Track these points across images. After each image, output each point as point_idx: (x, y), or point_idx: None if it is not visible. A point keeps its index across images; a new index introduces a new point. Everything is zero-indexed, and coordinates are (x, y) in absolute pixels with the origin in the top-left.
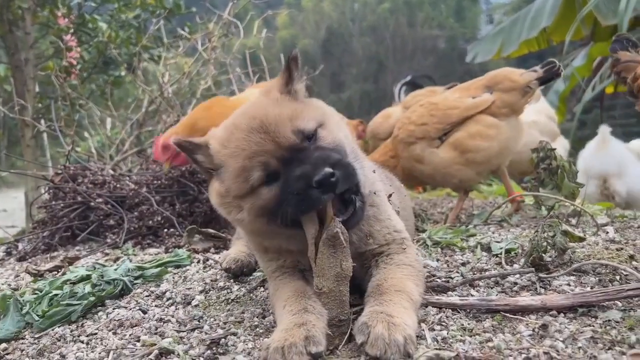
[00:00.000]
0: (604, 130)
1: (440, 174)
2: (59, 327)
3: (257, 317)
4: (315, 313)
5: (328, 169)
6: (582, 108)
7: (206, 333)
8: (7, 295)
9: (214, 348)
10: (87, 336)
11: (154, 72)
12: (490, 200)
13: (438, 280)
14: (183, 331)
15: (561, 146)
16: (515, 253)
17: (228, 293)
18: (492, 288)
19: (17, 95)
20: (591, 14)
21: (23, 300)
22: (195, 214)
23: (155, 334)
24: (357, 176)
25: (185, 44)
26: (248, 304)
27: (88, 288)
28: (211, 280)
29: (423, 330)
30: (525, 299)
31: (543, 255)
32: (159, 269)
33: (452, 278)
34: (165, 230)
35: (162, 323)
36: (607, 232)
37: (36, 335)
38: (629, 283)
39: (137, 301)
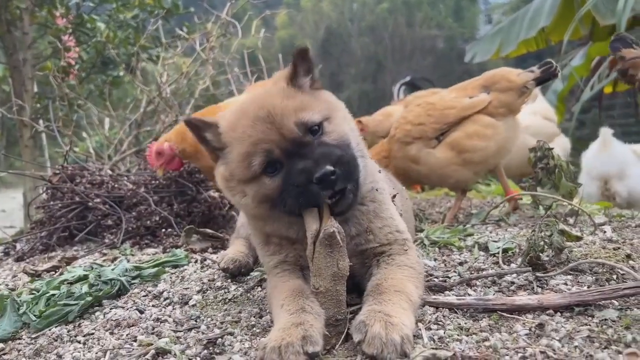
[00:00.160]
0: (605, 132)
1: (436, 175)
2: (56, 327)
3: (254, 317)
4: (313, 313)
5: (329, 167)
6: (580, 108)
7: (203, 333)
8: (4, 295)
9: (210, 348)
10: (84, 336)
11: (153, 72)
12: (488, 200)
13: (435, 279)
14: (180, 331)
15: (559, 146)
16: (512, 252)
17: (225, 293)
18: (489, 287)
19: (15, 95)
20: (589, 14)
21: (20, 300)
22: (193, 214)
23: (152, 333)
24: (358, 172)
25: (183, 44)
26: (245, 304)
27: (85, 288)
28: (209, 280)
29: (420, 329)
30: (522, 298)
31: (540, 254)
32: (156, 269)
33: (449, 277)
34: (163, 230)
35: (159, 323)
36: (605, 232)
37: (33, 336)
38: (626, 282)
39: (134, 301)
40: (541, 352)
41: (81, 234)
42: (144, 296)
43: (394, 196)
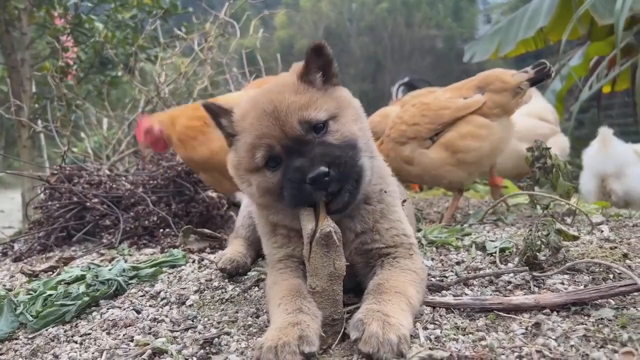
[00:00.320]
0: (604, 131)
1: (429, 175)
2: (52, 327)
3: (250, 317)
4: (310, 314)
5: (323, 168)
6: (579, 107)
7: (200, 333)
8: (1, 295)
9: (207, 348)
10: (80, 336)
11: (151, 72)
12: (486, 200)
13: (432, 279)
14: (177, 331)
15: (557, 145)
16: (509, 252)
17: (222, 293)
18: (486, 287)
19: (13, 95)
20: (588, 14)
21: (17, 300)
22: (192, 214)
23: (149, 333)
24: (357, 173)
25: (181, 44)
26: (242, 304)
27: (82, 288)
28: (206, 280)
29: (417, 329)
30: (519, 297)
31: (537, 254)
32: (153, 269)
33: (446, 277)
34: (161, 230)
35: (156, 323)
36: (602, 231)
37: (30, 336)
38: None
39: (131, 301)
40: (537, 352)
41: (79, 234)
42: (141, 296)
43: (404, 201)
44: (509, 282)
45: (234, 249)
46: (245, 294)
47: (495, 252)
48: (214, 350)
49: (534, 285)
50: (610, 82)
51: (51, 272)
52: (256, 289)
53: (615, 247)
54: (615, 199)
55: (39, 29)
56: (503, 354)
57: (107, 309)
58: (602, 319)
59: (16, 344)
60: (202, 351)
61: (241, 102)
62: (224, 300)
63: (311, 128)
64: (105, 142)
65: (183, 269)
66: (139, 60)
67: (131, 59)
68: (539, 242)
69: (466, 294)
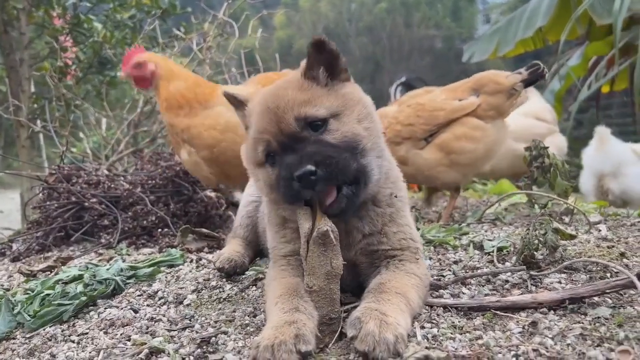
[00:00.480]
0: (601, 130)
1: (423, 176)
2: (50, 326)
3: (248, 316)
4: (307, 313)
5: (309, 167)
6: (578, 107)
7: (197, 332)
8: None
9: (204, 347)
10: (78, 336)
11: None
12: (484, 199)
13: (430, 278)
14: (174, 330)
15: (555, 145)
16: (507, 251)
17: (220, 292)
18: (483, 286)
19: (12, 95)
20: (586, 14)
21: (15, 300)
22: (190, 213)
23: (146, 333)
24: (353, 175)
25: (180, 44)
26: (239, 303)
27: (80, 288)
28: (204, 280)
29: (414, 328)
30: (516, 297)
31: (535, 253)
32: (151, 268)
33: (444, 276)
34: (160, 230)
35: (153, 322)
36: (600, 230)
37: (27, 335)
38: None
39: (128, 301)
40: (534, 350)
41: (77, 234)
42: (138, 296)
43: (413, 207)
44: (507, 281)
45: (232, 249)
46: (243, 293)
47: (492, 251)
48: (211, 349)
49: (531, 284)
50: (609, 82)
51: (49, 272)
52: (254, 288)
53: (613, 246)
54: (612, 198)
55: (38, 29)
56: (500, 353)
57: (105, 308)
58: (598, 317)
59: (13, 343)
60: (199, 350)
61: (255, 95)
62: (222, 299)
63: (308, 125)
64: (104, 142)
65: (181, 269)
66: None
67: None
68: (536, 241)
69: (464, 293)
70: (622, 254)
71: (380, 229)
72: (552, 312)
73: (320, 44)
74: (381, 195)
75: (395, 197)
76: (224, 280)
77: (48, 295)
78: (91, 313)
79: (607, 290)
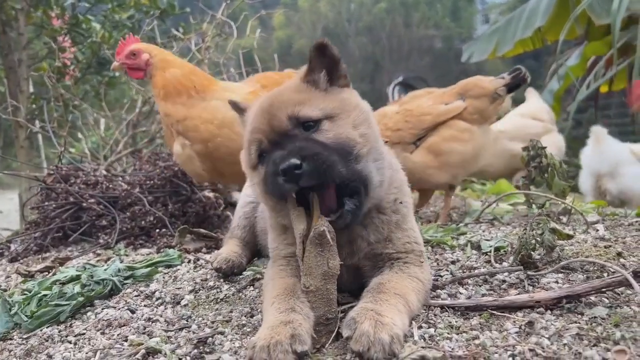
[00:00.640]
0: (596, 130)
1: (414, 179)
2: (47, 327)
3: (244, 316)
4: (303, 314)
5: (294, 160)
6: (577, 107)
7: (194, 332)
8: None
9: (201, 347)
10: (75, 336)
11: None
12: (482, 199)
13: (432, 282)
14: (171, 330)
15: (553, 144)
16: (504, 251)
17: (217, 292)
18: (480, 286)
19: (10, 96)
20: (585, 14)
21: (12, 300)
22: (188, 214)
23: (144, 333)
24: (339, 177)
25: (179, 45)
26: (237, 303)
27: (77, 288)
28: (201, 280)
29: (411, 328)
30: (513, 296)
31: (532, 253)
32: (149, 269)
33: (441, 276)
34: (158, 230)
35: (150, 323)
36: (597, 230)
37: (24, 336)
38: None
39: (126, 301)
40: (530, 350)
41: (75, 234)
42: (135, 296)
43: (417, 211)
44: (504, 281)
45: (230, 249)
46: (240, 294)
47: (490, 251)
48: (208, 350)
49: (529, 284)
50: (607, 82)
51: (47, 273)
52: (251, 288)
53: (610, 246)
54: (610, 198)
55: (37, 29)
56: (496, 353)
57: (102, 309)
58: (595, 317)
59: (10, 344)
60: (195, 351)
61: (254, 101)
62: (219, 300)
63: (300, 124)
64: (102, 142)
65: (178, 269)
66: None
67: None
68: (533, 241)
69: (461, 293)
70: (619, 254)
71: (385, 237)
72: (548, 312)
73: (322, 47)
74: (385, 202)
75: (400, 203)
76: (222, 280)
77: (45, 295)
78: (88, 314)
79: (603, 288)
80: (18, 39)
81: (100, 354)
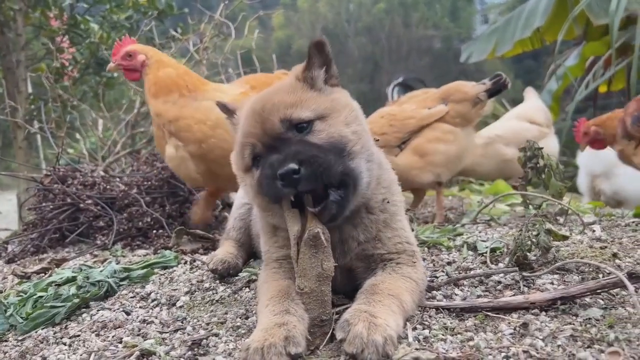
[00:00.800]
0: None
1: (399, 181)
2: (42, 329)
3: (239, 318)
4: (297, 316)
5: (293, 165)
6: (576, 108)
7: (188, 334)
8: None
9: (195, 349)
10: (69, 338)
11: None
12: (479, 200)
13: (426, 282)
14: (166, 332)
15: (547, 146)
16: (500, 252)
17: (213, 294)
18: (476, 287)
19: (8, 97)
20: (583, 14)
21: (7, 302)
22: (186, 215)
23: (138, 335)
24: (337, 177)
25: (177, 45)
26: (232, 305)
27: (73, 290)
28: (197, 281)
29: (406, 329)
30: (508, 298)
31: (527, 254)
32: (145, 270)
33: (437, 277)
34: (155, 231)
35: (145, 324)
36: (594, 231)
37: (19, 338)
38: None
39: (121, 303)
40: (524, 352)
41: (72, 235)
42: (131, 297)
43: (408, 210)
44: (499, 282)
45: (226, 250)
46: (236, 295)
47: (486, 252)
48: (202, 352)
49: (524, 286)
50: (606, 82)
51: (43, 274)
52: (247, 289)
53: (606, 247)
54: (604, 199)
55: (35, 30)
56: (490, 355)
57: (97, 310)
58: (589, 318)
59: (5, 345)
60: (190, 352)
61: (244, 102)
62: (214, 301)
63: (293, 126)
64: (100, 143)
65: (175, 270)
66: None
67: None
68: (529, 242)
69: (456, 295)
70: (615, 255)
71: (374, 236)
72: (543, 313)
73: (321, 44)
74: (374, 202)
75: (388, 202)
76: (217, 282)
77: (41, 297)
78: (84, 315)
79: (598, 290)
80: (16, 39)
81: (95, 355)
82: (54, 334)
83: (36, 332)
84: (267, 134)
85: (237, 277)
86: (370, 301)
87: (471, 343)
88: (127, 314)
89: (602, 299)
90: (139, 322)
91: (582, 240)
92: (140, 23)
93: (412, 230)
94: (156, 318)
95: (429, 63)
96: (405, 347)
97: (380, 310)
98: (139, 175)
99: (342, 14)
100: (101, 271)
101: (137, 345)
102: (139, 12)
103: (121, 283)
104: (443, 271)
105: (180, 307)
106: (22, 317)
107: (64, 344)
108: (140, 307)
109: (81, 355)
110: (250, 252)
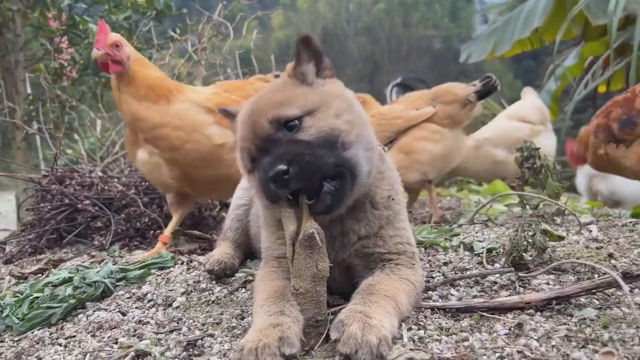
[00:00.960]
0: None
1: None
2: (38, 329)
3: (235, 319)
4: (292, 317)
5: (281, 166)
6: (575, 107)
7: (184, 335)
8: None
9: (190, 350)
10: (65, 339)
11: None
12: (476, 200)
13: (424, 285)
14: (161, 333)
15: (542, 145)
16: (496, 252)
17: (209, 294)
18: (472, 287)
19: (7, 97)
20: (582, 14)
21: (4, 303)
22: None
23: (134, 336)
24: (325, 170)
25: (175, 45)
26: (228, 305)
27: (69, 290)
28: (194, 282)
29: (401, 330)
30: (503, 298)
31: (523, 254)
32: (141, 271)
33: (433, 278)
34: (152, 232)
35: (141, 325)
36: (591, 231)
37: (15, 338)
38: None
39: (117, 303)
40: (518, 352)
41: (70, 235)
42: (127, 298)
43: (410, 212)
44: (495, 283)
45: (222, 251)
46: (232, 296)
47: (482, 253)
48: (197, 352)
49: (520, 286)
50: (605, 82)
51: (40, 275)
52: (243, 290)
53: (601, 247)
54: (601, 199)
55: (34, 30)
56: (484, 355)
57: (93, 311)
58: (584, 318)
59: (1, 346)
60: (185, 353)
61: (243, 105)
62: (210, 302)
63: (282, 126)
64: (99, 143)
65: (171, 271)
66: None
67: None
68: (524, 243)
69: (452, 295)
70: (610, 255)
71: (376, 232)
72: (538, 313)
73: (307, 39)
74: (379, 197)
75: (393, 200)
76: (214, 282)
77: (37, 298)
78: (80, 316)
79: (593, 289)
80: (15, 40)
81: (90, 356)
82: (50, 334)
83: (32, 332)
84: (258, 137)
85: (233, 278)
86: (365, 301)
87: (466, 343)
88: (123, 314)
89: (597, 299)
90: (135, 322)
91: (578, 240)
92: (138, 23)
93: None
94: (152, 319)
95: (429, 63)
96: (399, 348)
97: (376, 311)
98: (137, 175)
99: (342, 14)
100: (98, 272)
101: (132, 346)
102: (137, 12)
103: (118, 284)
104: (439, 272)
105: (177, 307)
106: (18, 318)
107: (60, 344)
108: (136, 308)
109: (76, 355)
110: (247, 253)
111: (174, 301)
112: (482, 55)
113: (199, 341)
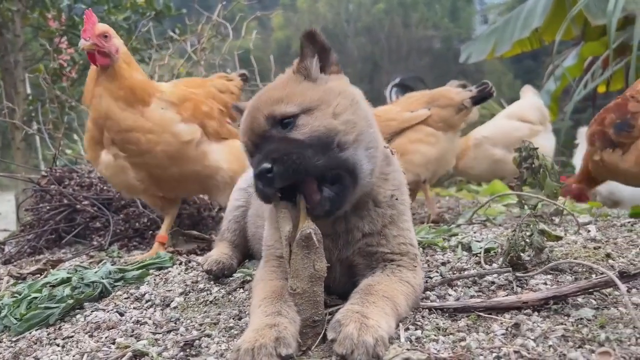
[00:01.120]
0: (584, 132)
1: None
2: (36, 330)
3: (232, 319)
4: (289, 318)
5: (265, 165)
6: (575, 107)
7: (181, 335)
8: None
9: (187, 350)
10: (63, 339)
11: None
12: (474, 200)
13: (423, 287)
14: (159, 333)
15: (541, 145)
16: (494, 252)
17: (207, 295)
18: (469, 287)
19: (6, 98)
20: (581, 14)
21: (2, 303)
22: (182, 215)
23: (132, 336)
24: (316, 168)
25: (175, 46)
26: (225, 306)
27: (67, 291)
28: (192, 282)
29: (398, 330)
30: (501, 297)
31: (521, 254)
32: (140, 271)
33: (431, 278)
34: (151, 232)
35: (138, 325)
36: (589, 231)
37: (13, 339)
38: None
39: (115, 304)
40: (515, 352)
41: (69, 236)
42: (125, 298)
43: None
44: (493, 283)
45: (220, 251)
46: (230, 296)
47: (480, 253)
48: (194, 352)
49: (517, 286)
50: (605, 82)
51: (39, 275)
52: (241, 290)
53: (599, 247)
54: (600, 199)
55: (33, 31)
56: (481, 355)
57: (91, 311)
58: (581, 319)
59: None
60: (182, 353)
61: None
62: (208, 302)
63: (277, 123)
64: None
65: (170, 271)
66: None
67: None
68: (522, 243)
69: (450, 295)
70: (608, 255)
71: (380, 230)
72: (535, 313)
73: (312, 34)
74: (382, 197)
75: (396, 199)
76: (212, 282)
77: (35, 298)
78: (77, 316)
79: (590, 289)
80: (14, 40)
81: (88, 356)
82: (48, 334)
83: (30, 333)
84: (255, 133)
85: (231, 278)
86: (363, 302)
87: (463, 343)
88: (121, 314)
89: (595, 299)
90: (133, 323)
91: (576, 240)
92: (138, 24)
93: None
94: (150, 319)
95: (429, 63)
96: (396, 348)
97: (373, 312)
98: None
99: (342, 14)
100: (96, 272)
101: (129, 346)
102: (137, 12)
103: (116, 284)
104: (437, 272)
105: (174, 308)
106: (16, 318)
107: (57, 345)
108: (134, 308)
109: (74, 356)
110: (245, 253)
111: (171, 301)
112: (482, 55)
113: (196, 341)
